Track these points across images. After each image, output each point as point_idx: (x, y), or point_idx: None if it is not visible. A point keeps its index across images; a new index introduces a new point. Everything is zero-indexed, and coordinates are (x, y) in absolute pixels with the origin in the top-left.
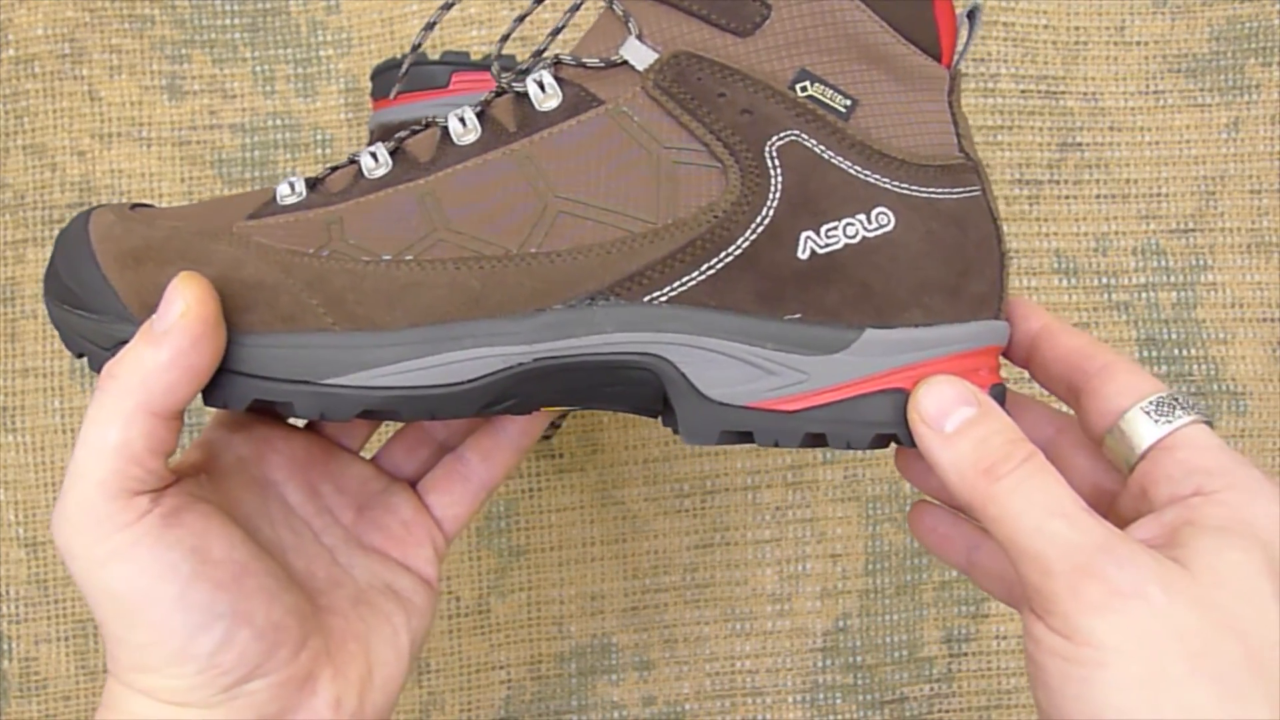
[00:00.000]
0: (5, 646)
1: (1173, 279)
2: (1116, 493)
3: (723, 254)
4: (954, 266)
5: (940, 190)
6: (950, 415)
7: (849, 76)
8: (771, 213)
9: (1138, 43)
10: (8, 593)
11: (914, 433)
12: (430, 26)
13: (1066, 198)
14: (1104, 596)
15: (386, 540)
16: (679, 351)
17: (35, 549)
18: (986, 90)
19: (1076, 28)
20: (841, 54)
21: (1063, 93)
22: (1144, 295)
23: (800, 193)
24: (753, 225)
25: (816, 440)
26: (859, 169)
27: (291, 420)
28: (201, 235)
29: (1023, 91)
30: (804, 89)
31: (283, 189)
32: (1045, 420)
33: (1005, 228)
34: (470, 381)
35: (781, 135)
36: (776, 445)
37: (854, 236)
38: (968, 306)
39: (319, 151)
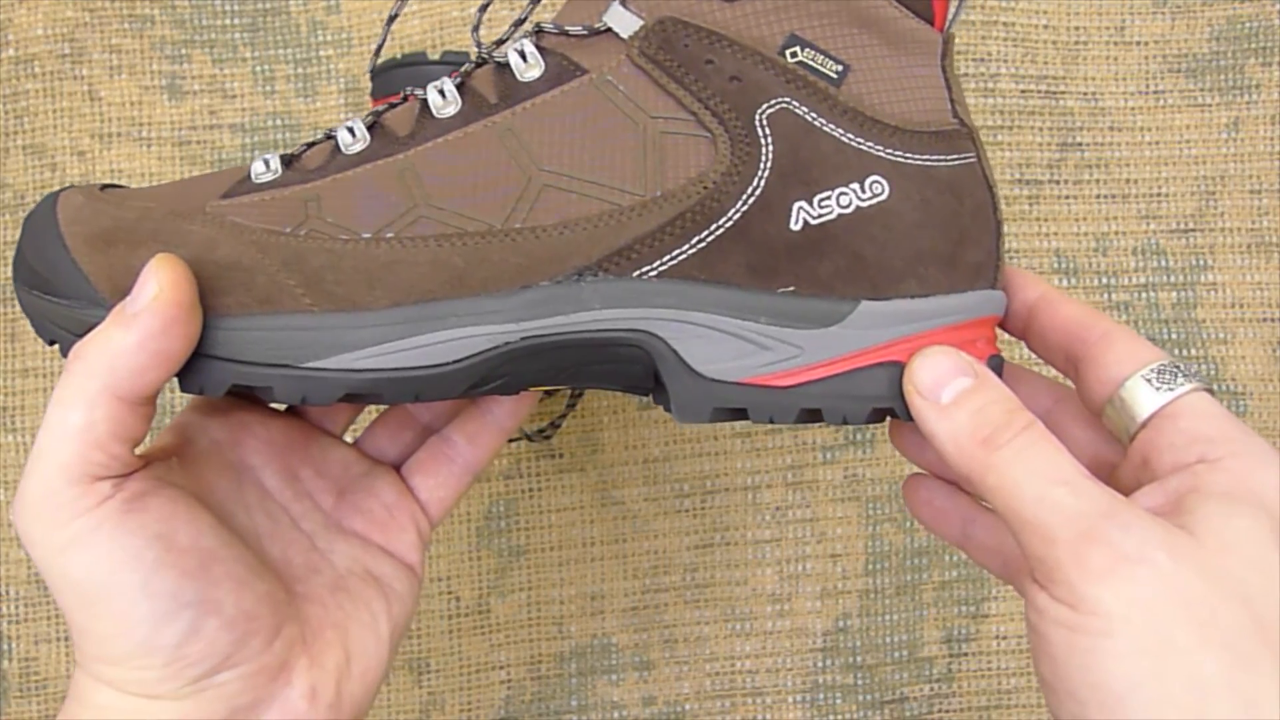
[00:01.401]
0: (5, 646)
1: (1173, 279)
2: (1116, 463)
3: (713, 226)
4: (949, 236)
5: (935, 157)
6: (946, 386)
7: (840, 41)
8: (763, 183)
9: (1138, 43)
10: (8, 593)
11: (910, 405)
12: (392, 19)
13: (1066, 198)
14: (1109, 562)
15: (368, 524)
16: (669, 327)
17: None
18: (986, 90)
19: (1076, 28)
20: (832, 18)
21: (1063, 93)
22: (1144, 295)
23: (792, 162)
24: (744, 196)
25: (812, 416)
26: (852, 136)
27: (271, 403)
28: (174, 215)
29: (1023, 91)
30: (794, 55)
31: (257, 167)
32: (1043, 391)
33: (1005, 228)
34: (456, 362)
35: (772, 103)
36: (771, 422)
37: (847, 206)
38: (964, 276)
39: None
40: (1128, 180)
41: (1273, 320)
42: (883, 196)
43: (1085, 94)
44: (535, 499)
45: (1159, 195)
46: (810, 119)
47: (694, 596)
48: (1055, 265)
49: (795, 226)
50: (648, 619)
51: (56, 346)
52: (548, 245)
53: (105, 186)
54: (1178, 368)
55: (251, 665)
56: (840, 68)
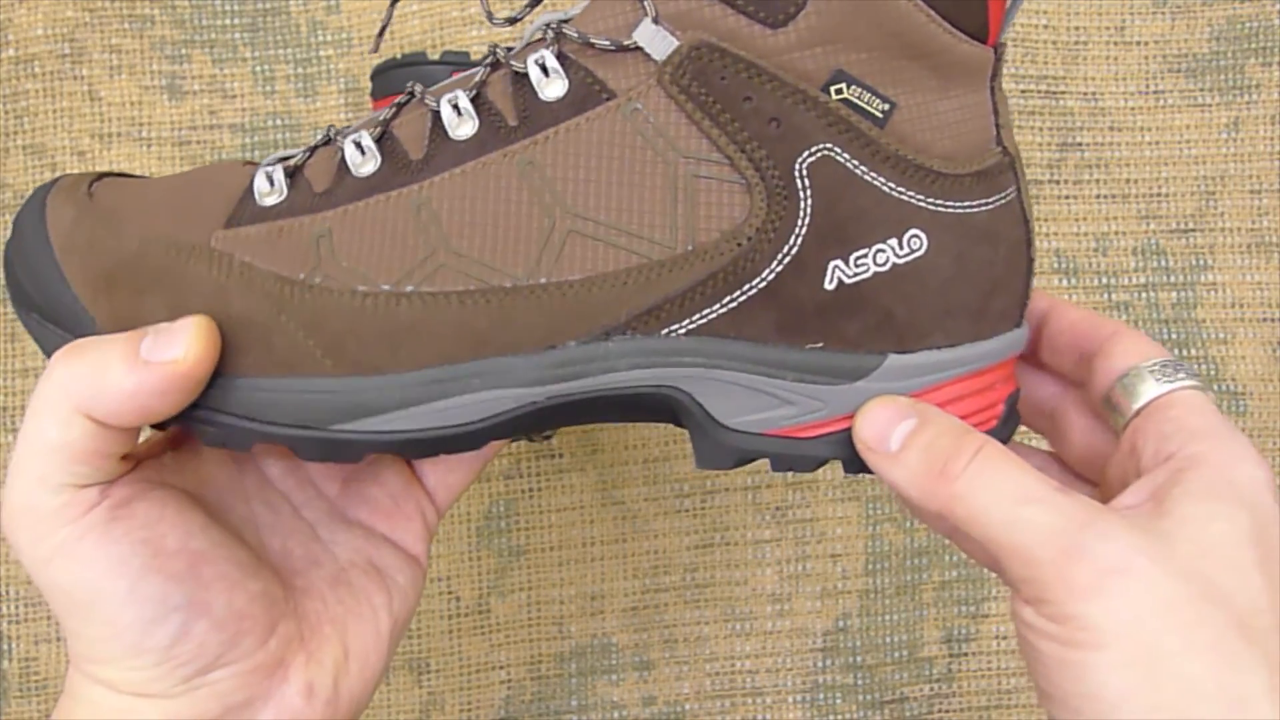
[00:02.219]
0: (5, 646)
1: (1173, 279)
2: (1109, 454)
3: (745, 287)
4: (981, 288)
5: (974, 203)
6: (891, 434)
7: (888, 76)
8: (799, 242)
9: (1138, 43)
10: (8, 593)
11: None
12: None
13: (1066, 198)
14: (1094, 577)
15: (373, 513)
16: (695, 383)
17: None
18: None
19: (1076, 28)
20: (881, 50)
21: (1063, 93)
22: (1144, 295)
23: (830, 218)
24: (778, 256)
25: (829, 461)
26: (893, 186)
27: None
28: (177, 249)
29: (1023, 91)
30: (838, 91)
31: (261, 184)
32: (1049, 380)
33: None
34: (480, 421)
35: (812, 150)
36: (790, 470)
37: (884, 264)
38: (990, 324)
39: None
40: (1128, 180)
41: (1273, 320)
42: (920, 252)
43: (1085, 94)
44: (535, 499)
45: (1159, 195)
46: (852, 167)
47: (694, 596)
48: (1055, 265)
49: (829, 286)
50: (648, 619)
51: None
52: (574, 303)
53: (101, 176)
54: (1180, 365)
55: (245, 664)
56: (886, 106)
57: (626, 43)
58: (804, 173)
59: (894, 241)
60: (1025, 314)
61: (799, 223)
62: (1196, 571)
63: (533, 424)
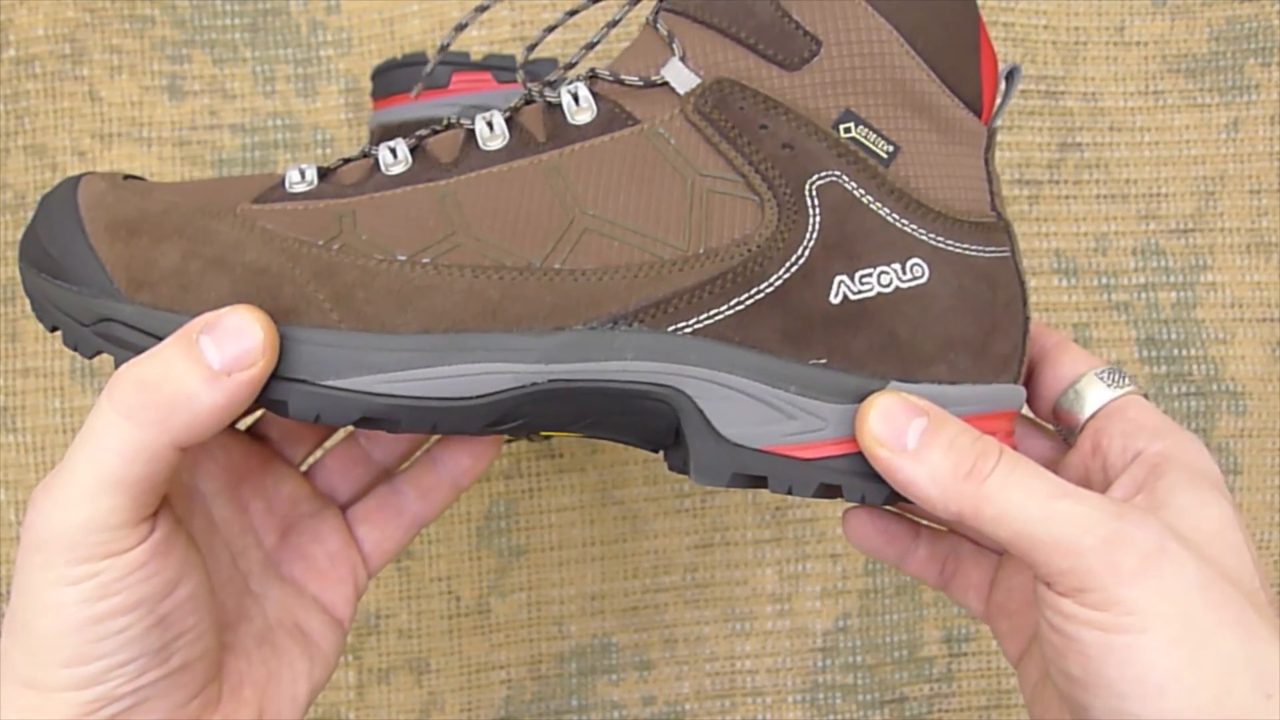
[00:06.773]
0: None
1: (1173, 279)
2: (1056, 459)
3: (754, 290)
4: (982, 325)
5: (974, 247)
6: (907, 431)
7: (893, 122)
8: (807, 252)
9: (1138, 43)
10: (8, 593)
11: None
12: (461, 27)
13: (1066, 198)
14: (1138, 562)
15: (307, 571)
16: (698, 386)
17: None
18: None
19: (1076, 28)
20: (887, 98)
21: (1063, 93)
22: (1144, 295)
23: (837, 235)
24: (787, 264)
25: (831, 491)
26: (897, 217)
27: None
28: (202, 213)
29: (1023, 91)
30: (847, 130)
31: (292, 175)
32: None
33: None
34: (479, 397)
35: (822, 174)
36: (789, 493)
37: (888, 286)
38: (991, 367)
39: (319, 151)
40: (1128, 180)
41: (1273, 320)
42: (922, 280)
43: (1085, 94)
44: (535, 499)
45: (1159, 195)
46: (858, 195)
47: (694, 596)
48: (1055, 265)
49: (834, 299)
50: (648, 619)
51: (58, 334)
52: (585, 289)
53: (128, 177)
54: (1121, 372)
55: (163, 717)
56: (891, 148)
57: (654, 78)
58: (813, 193)
59: (897, 266)
60: (1024, 376)
61: (807, 235)
62: (1208, 555)
63: (531, 412)
